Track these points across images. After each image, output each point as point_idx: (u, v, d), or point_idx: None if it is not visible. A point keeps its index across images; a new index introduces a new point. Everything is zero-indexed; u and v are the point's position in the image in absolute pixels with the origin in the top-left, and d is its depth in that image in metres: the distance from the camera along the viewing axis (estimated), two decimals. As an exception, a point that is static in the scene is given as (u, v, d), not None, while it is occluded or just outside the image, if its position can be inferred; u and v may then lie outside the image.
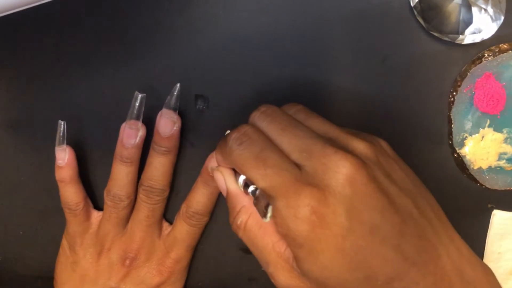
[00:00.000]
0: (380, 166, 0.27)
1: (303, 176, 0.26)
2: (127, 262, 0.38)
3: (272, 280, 0.29)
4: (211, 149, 0.40)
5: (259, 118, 0.30)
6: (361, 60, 0.38)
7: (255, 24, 0.37)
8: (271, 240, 0.29)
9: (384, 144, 0.30)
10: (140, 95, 0.36)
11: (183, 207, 0.39)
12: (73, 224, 0.39)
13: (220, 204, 0.42)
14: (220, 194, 0.40)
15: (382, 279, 0.26)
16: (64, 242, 0.40)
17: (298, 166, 0.27)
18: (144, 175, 0.38)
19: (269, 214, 0.27)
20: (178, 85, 0.36)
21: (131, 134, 0.36)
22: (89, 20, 0.37)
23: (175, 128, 0.37)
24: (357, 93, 0.39)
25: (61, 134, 0.37)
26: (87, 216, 0.39)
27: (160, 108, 0.37)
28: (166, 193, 0.38)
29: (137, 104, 0.36)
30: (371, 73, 0.38)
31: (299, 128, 0.28)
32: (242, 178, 0.30)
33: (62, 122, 0.37)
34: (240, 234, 0.30)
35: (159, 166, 0.37)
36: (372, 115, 0.39)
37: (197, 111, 0.39)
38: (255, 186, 0.29)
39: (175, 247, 0.39)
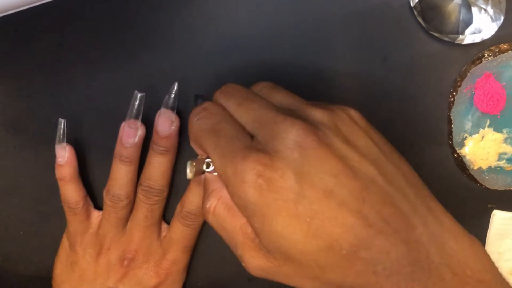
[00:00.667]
0: (337, 132, 0.27)
1: (253, 144, 0.26)
2: (125, 262, 0.38)
3: (243, 264, 0.28)
4: (211, 149, 0.40)
5: (219, 95, 0.30)
6: (361, 60, 0.38)
7: (255, 24, 0.37)
8: (238, 222, 0.28)
9: (353, 112, 0.29)
10: (139, 95, 0.36)
11: (178, 207, 0.39)
12: (73, 223, 0.39)
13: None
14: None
15: (346, 248, 0.24)
16: (65, 241, 0.40)
17: (252, 137, 0.27)
18: (143, 175, 0.38)
19: (189, 169, 0.28)
20: (176, 84, 0.36)
21: (130, 133, 0.36)
22: (89, 20, 0.37)
23: (173, 127, 0.37)
24: (357, 93, 0.38)
25: (61, 132, 0.37)
26: (87, 215, 0.39)
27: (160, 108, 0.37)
28: (165, 194, 0.38)
29: (136, 103, 0.36)
30: (371, 73, 0.38)
31: (255, 101, 0.29)
32: (207, 159, 0.30)
33: (62, 120, 0.37)
34: (210, 218, 0.29)
35: (158, 166, 0.37)
36: (372, 115, 0.39)
37: (197, 111, 0.39)
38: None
39: (171, 248, 0.39)
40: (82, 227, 0.39)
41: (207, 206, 0.29)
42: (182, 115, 0.38)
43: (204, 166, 0.30)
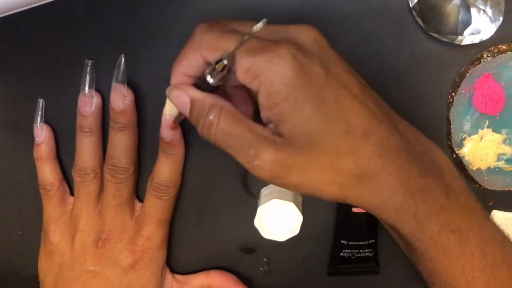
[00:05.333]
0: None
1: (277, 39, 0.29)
2: (100, 243, 0.38)
3: (255, 164, 0.29)
4: (211, 148, 0.40)
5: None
6: (360, 61, 0.38)
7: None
8: (247, 125, 0.29)
9: None
10: (89, 62, 0.36)
11: (149, 180, 0.39)
12: (47, 208, 0.39)
13: (218, 204, 0.42)
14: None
15: (359, 133, 0.29)
16: (42, 235, 0.40)
17: None
18: (107, 154, 0.38)
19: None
20: (122, 56, 0.36)
21: (86, 101, 0.37)
22: (89, 20, 0.37)
23: (127, 102, 0.36)
24: (356, 94, 0.38)
25: (39, 112, 0.38)
26: (62, 200, 0.39)
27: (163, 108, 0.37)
28: (131, 171, 0.38)
29: (88, 72, 0.37)
30: (369, 73, 0.38)
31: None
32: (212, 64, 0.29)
33: (41, 100, 0.38)
34: (213, 130, 0.29)
35: (118, 143, 0.37)
36: (371, 116, 0.39)
37: (196, 111, 0.39)
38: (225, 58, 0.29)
39: (145, 223, 0.39)
40: (56, 212, 0.39)
41: (211, 117, 0.29)
42: (137, 89, 0.38)
43: (219, 67, 0.29)
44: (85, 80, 0.37)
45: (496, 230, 0.33)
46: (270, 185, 0.41)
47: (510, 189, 0.41)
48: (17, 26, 0.37)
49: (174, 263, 0.43)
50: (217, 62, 0.29)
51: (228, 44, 0.28)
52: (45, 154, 0.38)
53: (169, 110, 0.36)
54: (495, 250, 0.32)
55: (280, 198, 0.38)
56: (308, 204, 0.41)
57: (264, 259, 0.43)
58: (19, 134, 0.40)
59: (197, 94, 0.30)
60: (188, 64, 0.31)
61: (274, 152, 0.28)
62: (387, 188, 0.29)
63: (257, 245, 0.43)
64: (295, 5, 0.37)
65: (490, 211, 0.42)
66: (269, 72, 0.27)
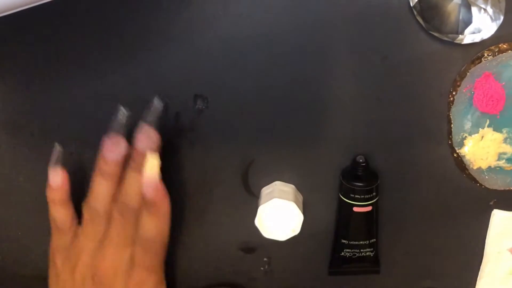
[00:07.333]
0: None
1: None
2: (96, 279, 0.38)
3: None
4: (211, 148, 0.40)
5: None
6: (361, 60, 0.38)
7: (254, 24, 0.37)
8: None
9: None
10: (124, 111, 0.36)
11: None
12: (55, 236, 0.39)
13: (219, 203, 0.42)
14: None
15: None
16: (50, 252, 0.40)
17: None
18: (119, 192, 0.37)
19: None
20: (156, 98, 0.36)
21: (111, 148, 0.36)
22: (89, 20, 0.37)
23: (151, 145, 0.36)
24: (356, 93, 0.39)
25: (56, 156, 0.37)
26: (71, 233, 0.39)
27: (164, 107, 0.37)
28: (139, 213, 0.37)
29: (119, 118, 0.36)
30: (370, 72, 0.38)
31: None
32: None
33: (58, 146, 0.37)
34: None
35: (134, 183, 0.36)
36: (371, 115, 0.39)
37: (197, 111, 0.39)
38: None
39: (136, 269, 0.38)
40: (63, 241, 0.39)
41: None
42: (181, 115, 0.38)
43: None
44: (116, 125, 0.36)
45: None
46: (271, 185, 0.41)
47: (511, 188, 0.41)
48: (17, 26, 0.37)
49: (174, 263, 0.43)
50: None
51: None
52: (60, 199, 0.38)
53: (150, 170, 0.35)
54: None
55: (280, 198, 0.38)
56: (309, 204, 0.41)
57: (265, 259, 0.43)
58: (19, 135, 0.40)
59: None
60: None
61: None
62: None
63: (258, 245, 0.43)
64: (295, 5, 0.37)
65: (490, 211, 0.42)
66: None
